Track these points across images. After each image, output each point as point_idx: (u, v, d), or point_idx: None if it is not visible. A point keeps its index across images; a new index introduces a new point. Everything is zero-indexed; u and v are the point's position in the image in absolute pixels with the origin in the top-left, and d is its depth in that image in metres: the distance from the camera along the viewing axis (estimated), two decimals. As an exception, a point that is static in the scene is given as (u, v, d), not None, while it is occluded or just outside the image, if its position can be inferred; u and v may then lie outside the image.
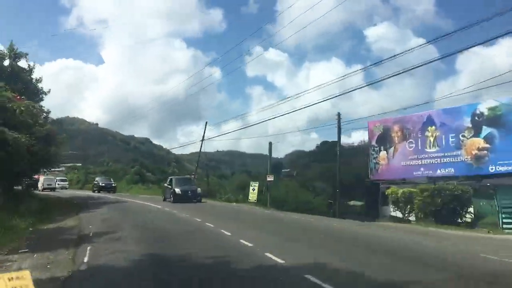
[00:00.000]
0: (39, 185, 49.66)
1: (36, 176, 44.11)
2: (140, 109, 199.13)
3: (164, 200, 28.03)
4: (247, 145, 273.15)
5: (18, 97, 16.55)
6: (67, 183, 55.11)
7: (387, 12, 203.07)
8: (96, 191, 43.40)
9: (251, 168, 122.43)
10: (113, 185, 45.41)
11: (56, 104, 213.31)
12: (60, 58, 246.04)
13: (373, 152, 25.37)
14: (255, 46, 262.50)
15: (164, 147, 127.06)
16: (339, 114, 28.40)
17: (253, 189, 29.36)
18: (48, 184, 50.19)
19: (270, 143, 30.65)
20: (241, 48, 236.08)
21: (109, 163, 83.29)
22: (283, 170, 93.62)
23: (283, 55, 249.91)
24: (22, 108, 15.25)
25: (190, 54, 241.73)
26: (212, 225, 13.55)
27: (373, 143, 25.52)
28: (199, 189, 27.76)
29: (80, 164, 76.06)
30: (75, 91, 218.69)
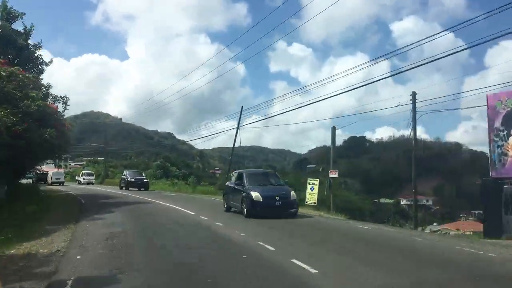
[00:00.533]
0: (48, 179, 48.93)
1: (43, 169, 41.81)
2: (163, 104, 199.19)
3: (228, 210, 16.79)
4: (269, 141, 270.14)
5: (2, 61, 13.25)
6: (93, 177, 51.72)
7: (414, 6, 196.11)
8: (123, 188, 34.57)
9: (274, 164, 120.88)
10: (144, 180, 35.75)
11: (82, 98, 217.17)
12: (86, 53, 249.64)
13: (496, 138, 17.49)
14: (279, 40, 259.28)
15: (187, 141, 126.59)
16: (414, 94, 24.04)
17: (312, 189, 23.52)
18: (56, 178, 48.79)
19: (334, 128, 23.86)
20: (265, 43, 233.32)
21: (131, 157, 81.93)
22: (308, 166, 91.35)
23: (307, 50, 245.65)
24: (3, 73, 11.97)
25: (214, 49, 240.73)
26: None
27: (497, 125, 17.96)
28: (293, 193, 15.61)
29: (103, 158, 74.83)
30: (100, 86, 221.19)
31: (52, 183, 46.43)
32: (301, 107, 42.43)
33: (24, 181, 30.60)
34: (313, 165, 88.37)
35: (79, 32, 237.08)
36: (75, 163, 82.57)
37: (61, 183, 47.97)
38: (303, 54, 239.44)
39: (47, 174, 51.25)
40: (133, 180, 34.56)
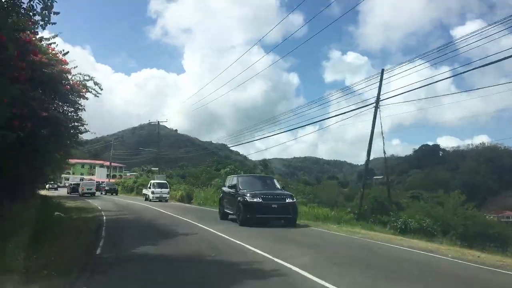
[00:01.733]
0: (80, 189, 47.76)
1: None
2: (218, 116, 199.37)
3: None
4: (324, 151, 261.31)
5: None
6: (167, 190, 35.68)
7: (480, 9, 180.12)
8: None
9: (327, 175, 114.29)
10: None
11: (140, 111, 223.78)
12: (145, 68, 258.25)
13: None
14: (334, 49, 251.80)
15: (240, 152, 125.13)
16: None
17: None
18: (88, 189, 46.74)
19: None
20: (320, 52, 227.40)
21: (187, 166, 79.42)
22: (374, 178, 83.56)
23: (362, 58, 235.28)
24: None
25: (269, 60, 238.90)
26: None
27: None
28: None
29: (157, 168, 72.36)
30: (158, 98, 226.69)
31: (83, 194, 45.11)
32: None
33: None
34: (380, 176, 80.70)
35: (139, 48, 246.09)
36: (130, 173, 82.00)
37: (92, 194, 46.12)
38: (359, 63, 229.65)
39: (79, 184, 50.56)
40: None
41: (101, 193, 49.74)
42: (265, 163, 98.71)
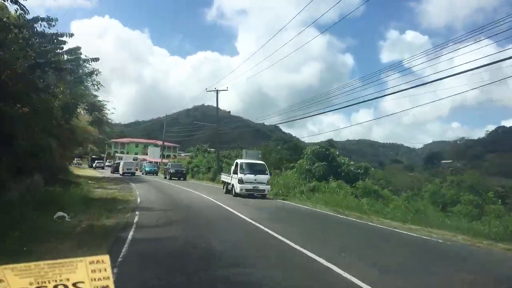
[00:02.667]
0: (120, 169, 46.86)
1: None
2: (271, 97, 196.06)
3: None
4: (379, 134, 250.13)
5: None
6: (266, 179, 22.31)
7: None
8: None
9: (384, 159, 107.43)
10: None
11: (194, 93, 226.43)
12: (200, 50, 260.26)
13: None
14: (392, 29, 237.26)
15: (293, 135, 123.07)
16: None
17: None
18: (127, 169, 46.19)
19: None
20: (377, 32, 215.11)
21: (241, 148, 77.49)
22: (442, 162, 76.67)
23: (422, 38, 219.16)
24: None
25: (324, 41, 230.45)
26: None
27: None
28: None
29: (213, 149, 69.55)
30: (211, 81, 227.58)
31: (123, 174, 44.63)
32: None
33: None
34: (449, 161, 73.84)
35: (195, 30, 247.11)
36: (185, 153, 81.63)
37: (132, 174, 45.56)
38: (419, 42, 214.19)
39: (119, 164, 50.49)
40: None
41: (166, 177, 41.64)
42: (331, 143, 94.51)
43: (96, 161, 71.76)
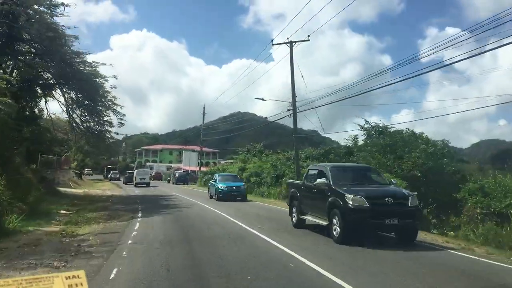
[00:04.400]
0: (133, 179, 42.64)
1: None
2: (309, 102, 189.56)
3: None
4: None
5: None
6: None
7: None
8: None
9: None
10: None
11: (230, 101, 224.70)
12: (236, 58, 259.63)
13: None
14: (432, 26, 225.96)
15: (332, 139, 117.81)
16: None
17: None
18: (141, 179, 41.72)
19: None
20: (416, 30, 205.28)
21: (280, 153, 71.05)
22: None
23: (464, 34, 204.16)
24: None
25: (363, 41, 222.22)
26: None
27: None
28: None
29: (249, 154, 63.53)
30: (247, 88, 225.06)
31: (137, 184, 40.64)
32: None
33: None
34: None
35: (231, 38, 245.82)
36: (224, 161, 75.88)
37: (147, 184, 41.36)
38: (460, 38, 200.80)
39: (133, 173, 45.92)
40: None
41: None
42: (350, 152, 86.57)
43: (111, 172, 66.40)
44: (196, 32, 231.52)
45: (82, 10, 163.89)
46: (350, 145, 28.64)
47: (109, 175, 64.90)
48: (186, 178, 51.43)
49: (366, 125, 25.48)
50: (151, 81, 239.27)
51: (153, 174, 62.90)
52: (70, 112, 23.55)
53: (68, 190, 27.79)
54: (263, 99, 28.47)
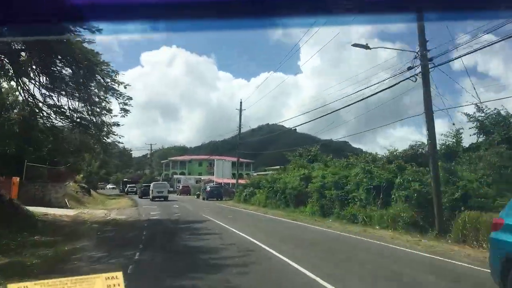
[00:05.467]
0: (149, 193, 38.95)
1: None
2: (338, 113, 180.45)
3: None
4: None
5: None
6: None
7: None
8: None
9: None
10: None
11: (259, 114, 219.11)
12: (264, 71, 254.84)
13: None
14: (464, 31, 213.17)
15: (364, 150, 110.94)
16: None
17: None
18: (158, 192, 37.78)
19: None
20: (456, 33, 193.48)
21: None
22: None
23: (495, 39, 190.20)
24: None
25: (393, 50, 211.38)
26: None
27: None
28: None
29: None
30: (276, 101, 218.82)
31: (154, 198, 36.97)
32: None
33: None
34: None
35: (259, 50, 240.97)
36: (257, 173, 67.61)
37: (165, 198, 37.42)
38: (492, 44, 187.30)
39: (149, 187, 41.79)
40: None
41: None
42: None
43: (128, 185, 62.06)
44: (224, 46, 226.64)
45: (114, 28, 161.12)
46: (450, 143, 19.04)
47: (125, 189, 60.91)
48: (219, 192, 42.28)
49: (479, 115, 16.35)
50: (181, 95, 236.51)
51: (180, 188, 57.78)
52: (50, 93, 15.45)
53: (54, 211, 19.56)
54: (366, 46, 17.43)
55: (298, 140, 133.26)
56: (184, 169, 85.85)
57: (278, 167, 44.39)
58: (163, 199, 37.15)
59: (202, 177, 67.75)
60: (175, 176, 76.88)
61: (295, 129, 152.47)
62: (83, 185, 36.71)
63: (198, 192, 48.51)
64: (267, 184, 30.64)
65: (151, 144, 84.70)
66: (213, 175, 59.80)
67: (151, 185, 41.25)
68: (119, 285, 1.89)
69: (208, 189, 42.72)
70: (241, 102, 46.13)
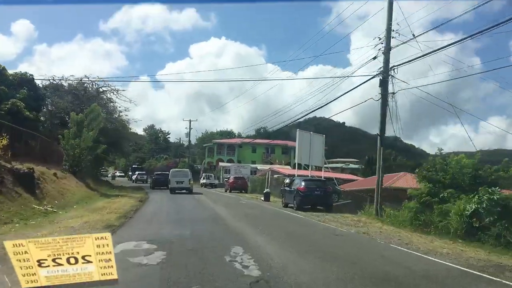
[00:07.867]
0: (168, 182, 30.82)
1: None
2: (390, 107, 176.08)
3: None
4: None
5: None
6: None
7: None
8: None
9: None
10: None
11: (306, 107, 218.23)
12: (313, 64, 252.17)
13: None
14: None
15: (416, 146, 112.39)
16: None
17: None
18: (178, 182, 29.57)
19: None
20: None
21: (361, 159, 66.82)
22: None
23: None
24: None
25: (453, 41, 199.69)
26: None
27: None
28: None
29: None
30: (323, 94, 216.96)
31: (173, 190, 29.30)
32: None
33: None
34: None
35: (310, 42, 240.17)
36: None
37: (187, 190, 29.52)
38: None
39: (162, 175, 35.25)
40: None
41: None
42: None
43: (137, 172, 53.14)
44: (274, 37, 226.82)
45: (166, 17, 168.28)
46: None
47: (133, 177, 51.93)
48: (326, 195, 20.50)
49: None
50: (230, 87, 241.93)
51: (231, 180, 38.90)
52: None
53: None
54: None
55: (346, 134, 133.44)
56: (232, 155, 67.03)
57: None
58: (184, 190, 29.71)
59: (258, 166, 52.13)
60: (220, 164, 59.20)
61: (344, 122, 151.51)
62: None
63: (267, 190, 28.31)
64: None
65: (190, 120, 63.35)
66: (270, 163, 47.97)
67: (170, 172, 31.87)
68: (107, 245, 2.01)
69: (303, 186, 20.01)
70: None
